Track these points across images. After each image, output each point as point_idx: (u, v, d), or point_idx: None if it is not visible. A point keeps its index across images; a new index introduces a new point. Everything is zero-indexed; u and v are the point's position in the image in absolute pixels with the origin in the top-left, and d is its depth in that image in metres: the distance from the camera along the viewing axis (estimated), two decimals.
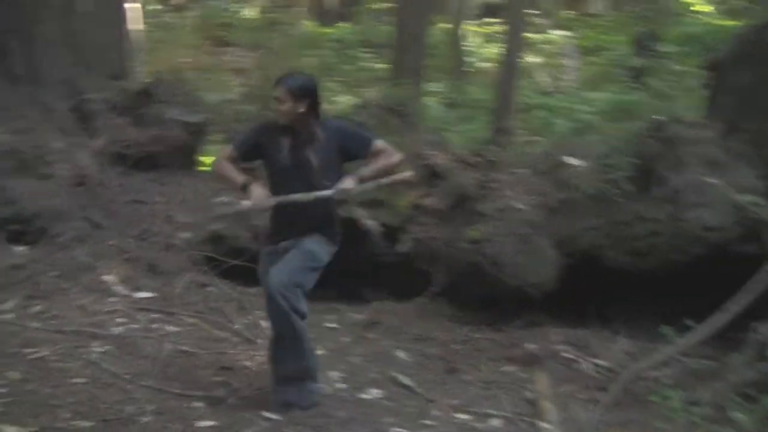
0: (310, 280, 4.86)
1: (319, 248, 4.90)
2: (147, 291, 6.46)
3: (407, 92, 8.34)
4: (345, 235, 6.93)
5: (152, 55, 16.01)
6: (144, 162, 7.66)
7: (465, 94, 15.70)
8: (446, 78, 16.69)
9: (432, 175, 7.73)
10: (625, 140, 6.92)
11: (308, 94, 4.84)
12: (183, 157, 8.00)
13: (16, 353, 5.11)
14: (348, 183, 4.81)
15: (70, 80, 7.63)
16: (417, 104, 8.64)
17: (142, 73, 9.87)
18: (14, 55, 7.39)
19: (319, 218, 4.92)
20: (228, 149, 5.08)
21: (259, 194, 4.80)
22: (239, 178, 4.90)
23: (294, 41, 19.14)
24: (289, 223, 4.91)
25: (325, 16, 24.50)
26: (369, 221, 7.09)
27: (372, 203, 7.16)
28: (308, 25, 21.78)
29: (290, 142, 4.88)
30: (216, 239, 7.19)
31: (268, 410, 4.83)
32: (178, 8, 22.15)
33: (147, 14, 16.84)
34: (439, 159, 7.76)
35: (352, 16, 24.61)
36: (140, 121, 7.77)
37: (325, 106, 5.29)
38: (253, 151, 5.00)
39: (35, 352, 5.16)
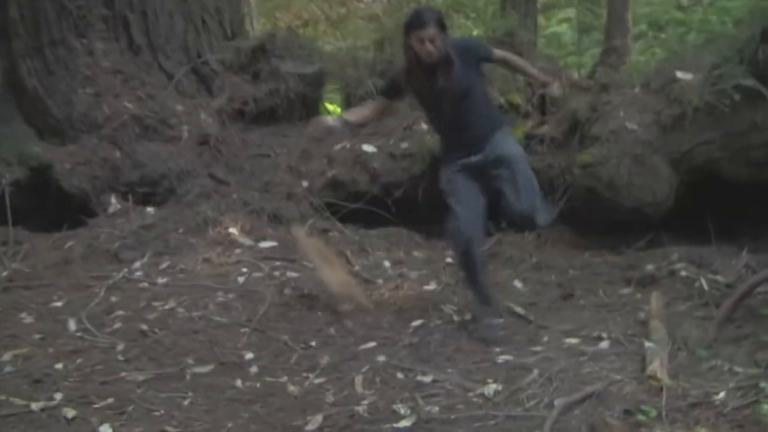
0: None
1: (515, 148, 5.26)
2: (270, 240, 6.71)
3: (516, 22, 8.24)
4: None
5: (282, 11, 16.34)
6: (264, 116, 7.91)
7: (600, 18, 15.32)
8: (579, 3, 16.31)
9: (546, 103, 7.69)
10: (738, 48, 6.64)
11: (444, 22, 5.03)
12: (302, 108, 8.20)
13: (145, 307, 5.46)
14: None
15: (186, 45, 7.94)
16: (530, 33, 8.53)
17: (262, 30, 10.14)
18: (134, 27, 7.73)
19: (486, 121, 5.16)
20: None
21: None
22: None
23: None
24: (467, 139, 5.16)
25: None
26: None
27: None
28: None
29: (431, 74, 5.00)
30: (335, 185, 7.38)
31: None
32: None
33: None
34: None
35: None
36: (257, 77, 8.01)
37: None
38: (396, 92, 5.38)
39: (162, 305, 5.50)
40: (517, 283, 6.22)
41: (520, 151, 5.27)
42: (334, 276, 5.66)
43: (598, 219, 6.87)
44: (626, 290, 6.01)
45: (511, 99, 7.41)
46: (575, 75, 8.19)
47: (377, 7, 19.40)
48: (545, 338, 5.22)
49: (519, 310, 5.66)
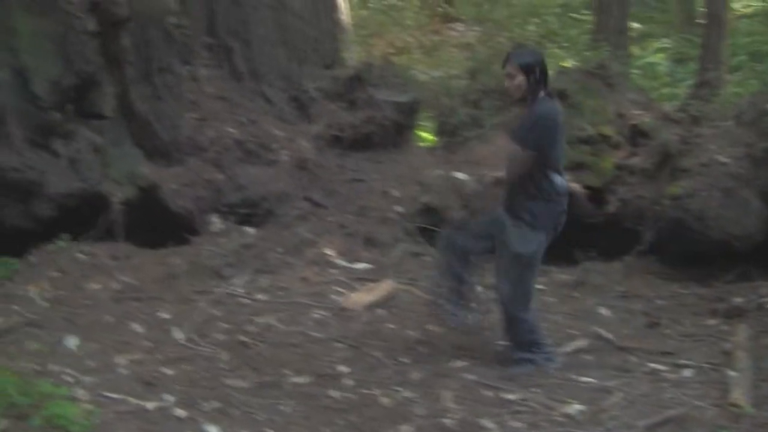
0: (528, 279, 5.29)
1: (521, 246, 5.17)
2: (364, 262, 6.95)
3: (607, 54, 8.39)
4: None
5: (377, 39, 16.64)
6: (359, 143, 8.19)
7: (698, 48, 15.28)
8: (676, 32, 16.27)
9: (637, 135, 7.81)
10: None
11: (536, 67, 5.08)
12: (396, 135, 8.47)
13: (245, 321, 5.75)
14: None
15: (287, 73, 8.29)
16: (622, 64, 8.67)
17: (358, 59, 10.46)
18: (237, 55, 8.11)
19: (517, 202, 5.23)
20: None
21: None
22: None
23: (517, 11, 19.23)
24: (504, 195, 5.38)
25: None
26: (572, 184, 7.26)
27: (574, 166, 7.33)
28: None
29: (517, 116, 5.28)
30: (428, 211, 7.61)
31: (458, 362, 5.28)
32: None
33: None
34: (644, 118, 7.82)
35: None
36: (353, 105, 8.31)
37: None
38: None
39: (262, 320, 5.79)
40: (603, 311, 6.34)
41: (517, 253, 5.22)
42: None
43: (686, 251, 6.94)
44: (712, 321, 6.10)
45: (601, 130, 7.54)
46: (666, 107, 8.27)
47: (470, 36, 19.66)
48: (629, 363, 5.35)
49: (605, 334, 5.80)
